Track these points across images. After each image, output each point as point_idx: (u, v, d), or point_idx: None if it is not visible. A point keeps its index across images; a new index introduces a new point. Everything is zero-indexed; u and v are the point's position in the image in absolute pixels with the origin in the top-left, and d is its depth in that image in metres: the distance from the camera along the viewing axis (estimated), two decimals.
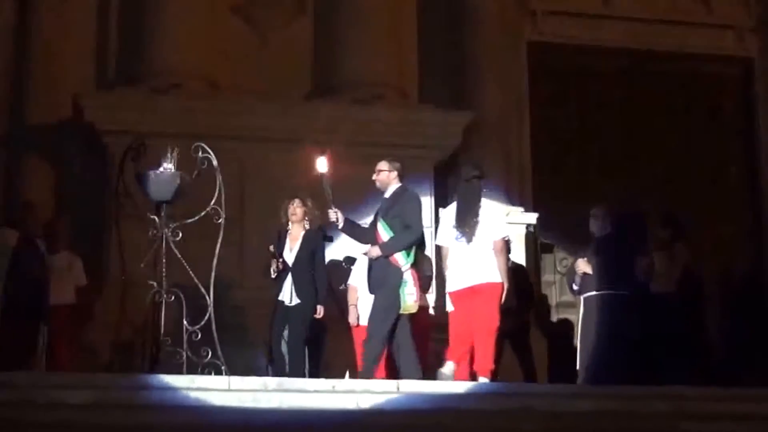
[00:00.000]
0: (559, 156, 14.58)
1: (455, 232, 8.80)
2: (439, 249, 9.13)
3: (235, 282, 11.03)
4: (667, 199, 14.44)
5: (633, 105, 14.95)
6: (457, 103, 13.40)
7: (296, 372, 9.05)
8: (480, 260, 8.69)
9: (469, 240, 8.71)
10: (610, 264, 9.71)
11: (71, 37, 13.16)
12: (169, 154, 8.30)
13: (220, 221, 8.32)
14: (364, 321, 9.37)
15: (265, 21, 13.57)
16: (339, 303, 10.21)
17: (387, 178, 8.89)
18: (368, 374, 8.35)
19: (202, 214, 8.34)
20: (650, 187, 14.54)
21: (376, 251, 8.66)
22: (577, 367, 9.97)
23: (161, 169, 8.28)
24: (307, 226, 9.56)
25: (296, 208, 9.55)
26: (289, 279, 9.38)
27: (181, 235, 8.28)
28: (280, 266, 9.35)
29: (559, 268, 13.49)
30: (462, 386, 8.25)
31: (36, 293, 9.86)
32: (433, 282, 10.73)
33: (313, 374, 9.27)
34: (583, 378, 9.72)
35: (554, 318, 13.26)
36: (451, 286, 8.86)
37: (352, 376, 9.12)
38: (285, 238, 9.58)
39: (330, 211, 8.80)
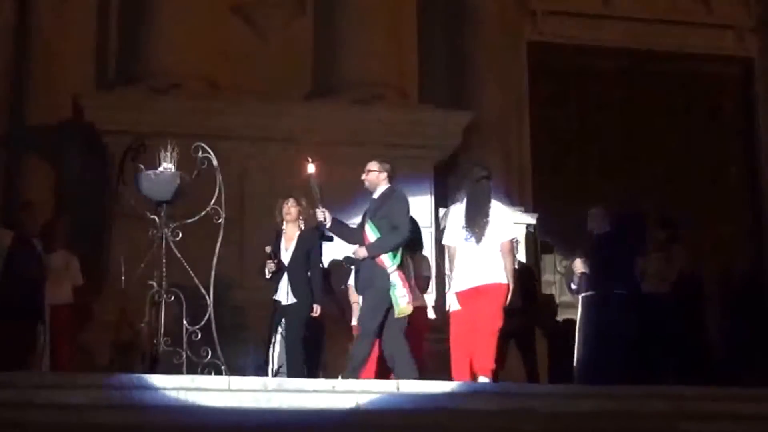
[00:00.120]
0: (559, 156, 14.58)
1: (464, 233, 8.80)
2: (447, 249, 9.10)
3: (235, 282, 11.03)
4: (667, 199, 14.46)
5: (633, 105, 14.95)
6: (457, 103, 13.39)
7: (294, 372, 9.04)
8: (487, 261, 8.70)
9: (479, 240, 8.72)
10: (608, 264, 9.72)
11: (71, 37, 13.17)
12: (169, 154, 8.30)
13: (220, 221, 8.31)
14: None
15: (265, 21, 13.58)
16: (339, 303, 10.20)
17: (376, 178, 8.88)
18: (355, 375, 8.36)
19: (202, 214, 8.34)
20: (650, 187, 14.55)
21: (362, 252, 8.66)
22: (574, 366, 9.98)
23: (161, 169, 8.28)
24: (302, 226, 9.56)
25: (291, 208, 9.54)
26: (285, 279, 9.37)
27: (180, 235, 8.28)
28: (274, 267, 9.33)
29: (558, 268, 13.50)
30: (462, 386, 8.25)
31: (32, 293, 9.84)
32: (433, 282, 10.73)
33: (312, 374, 9.26)
34: (579, 377, 9.72)
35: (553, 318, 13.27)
36: (457, 286, 8.87)
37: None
38: (280, 237, 9.57)
39: (318, 210, 8.80)
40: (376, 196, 8.85)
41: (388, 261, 8.56)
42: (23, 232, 10.22)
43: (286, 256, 9.48)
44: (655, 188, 14.57)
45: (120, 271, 8.35)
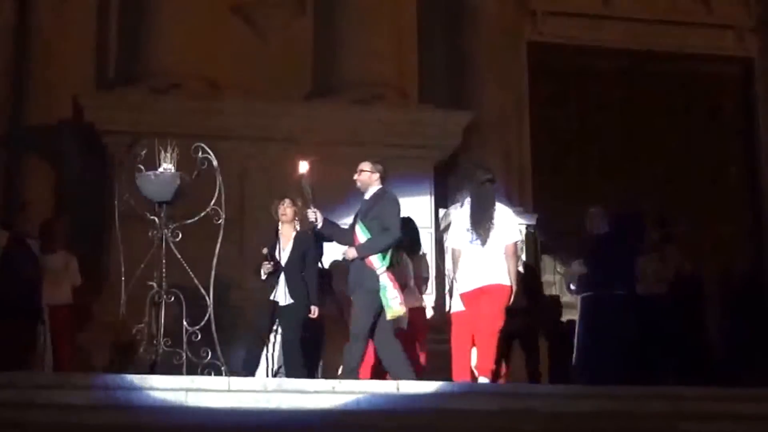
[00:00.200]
0: (559, 156, 14.59)
1: (469, 235, 8.85)
2: (452, 251, 9.13)
3: (234, 282, 11.02)
4: (667, 199, 14.46)
5: (633, 105, 14.95)
6: (457, 103, 13.40)
7: (293, 372, 9.03)
8: (491, 263, 8.75)
9: (483, 243, 8.78)
10: (607, 264, 9.72)
11: (71, 37, 13.17)
12: (168, 155, 8.30)
13: (220, 221, 8.31)
14: None
15: (265, 21, 13.58)
16: (339, 303, 10.19)
17: (368, 179, 8.87)
18: (353, 376, 8.37)
19: (202, 214, 8.34)
20: (650, 187, 14.55)
21: (352, 252, 8.66)
22: (573, 366, 9.98)
23: (161, 169, 8.27)
24: (298, 227, 9.56)
25: (286, 209, 9.53)
26: (282, 279, 9.36)
27: (180, 235, 8.28)
28: (271, 268, 9.31)
29: (558, 269, 13.48)
30: (462, 386, 8.26)
31: (28, 293, 9.81)
32: (432, 282, 10.73)
33: (311, 375, 9.25)
34: (578, 377, 9.72)
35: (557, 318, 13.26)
36: (462, 288, 8.91)
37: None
38: (277, 238, 9.55)
39: (309, 211, 8.81)
40: (367, 196, 8.86)
41: (378, 262, 8.55)
42: (19, 232, 10.20)
43: (282, 257, 9.46)
44: (655, 188, 14.58)
45: (120, 272, 8.35)
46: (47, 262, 10.43)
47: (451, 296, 10.04)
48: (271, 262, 9.26)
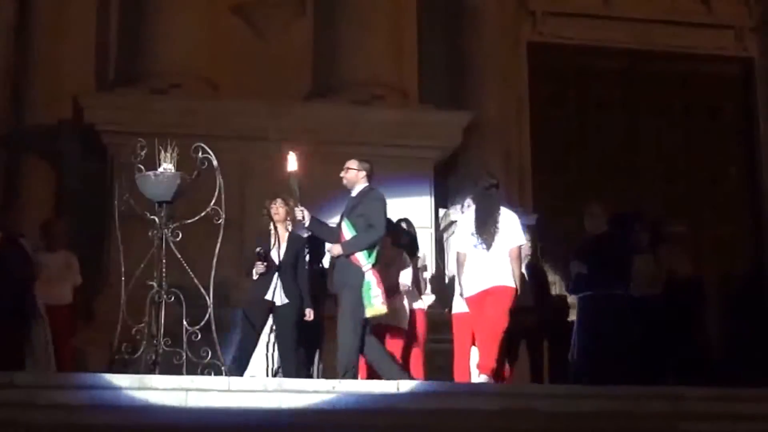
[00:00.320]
0: (559, 156, 14.58)
1: (474, 240, 8.94)
2: (457, 255, 9.16)
3: (234, 282, 11.01)
4: (667, 199, 14.46)
5: (633, 105, 14.95)
6: (457, 103, 13.39)
7: (289, 372, 9.03)
8: (495, 266, 8.85)
9: (489, 247, 8.88)
10: (606, 264, 9.71)
11: (71, 37, 13.16)
12: (168, 155, 8.30)
13: (219, 221, 8.31)
14: None
15: (265, 21, 13.57)
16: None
17: (355, 176, 8.94)
18: (352, 375, 8.39)
19: (202, 214, 8.33)
20: (650, 187, 14.55)
21: (337, 249, 8.71)
22: (572, 365, 9.97)
23: (161, 169, 8.27)
24: (290, 227, 9.55)
25: (279, 208, 9.53)
26: (276, 279, 9.35)
27: (180, 235, 8.27)
28: (263, 268, 9.30)
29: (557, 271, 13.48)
30: (462, 386, 8.27)
31: (21, 293, 9.77)
32: (432, 283, 10.73)
33: (308, 374, 9.25)
34: (577, 378, 9.72)
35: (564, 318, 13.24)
36: (468, 291, 8.97)
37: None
38: (269, 238, 9.53)
39: (297, 209, 8.84)
40: (354, 194, 8.93)
41: (363, 259, 8.59)
42: (12, 232, 10.16)
43: (276, 257, 9.44)
44: (655, 188, 14.57)
45: (120, 272, 8.34)
46: (48, 262, 10.43)
47: (452, 297, 10.06)
48: (265, 263, 9.26)
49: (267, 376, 9.38)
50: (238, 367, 8.92)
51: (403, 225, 9.97)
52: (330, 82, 13.11)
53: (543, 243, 12.60)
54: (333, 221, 9.27)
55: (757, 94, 15.23)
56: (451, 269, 10.50)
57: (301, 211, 8.82)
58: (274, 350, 9.49)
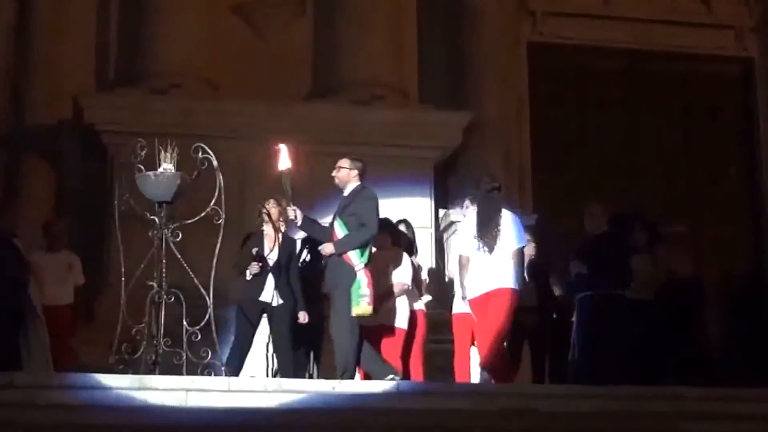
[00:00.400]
0: (559, 156, 14.58)
1: (476, 242, 8.97)
2: (459, 257, 9.19)
3: (234, 282, 11.01)
4: (667, 199, 14.46)
5: (633, 105, 14.95)
6: (457, 103, 13.39)
7: (285, 373, 9.04)
8: (498, 268, 8.91)
9: (491, 250, 8.93)
10: (605, 263, 9.71)
11: (71, 37, 13.16)
12: (168, 155, 8.30)
13: (220, 221, 8.31)
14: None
15: (265, 21, 13.57)
16: None
17: (347, 175, 8.94)
18: (352, 375, 8.40)
19: (202, 214, 8.33)
20: (650, 187, 14.55)
21: (329, 248, 8.70)
22: (572, 365, 9.97)
23: (161, 169, 8.27)
24: (282, 228, 9.55)
25: (271, 209, 9.53)
26: (270, 280, 9.35)
27: (180, 235, 8.27)
28: (258, 269, 9.29)
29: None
30: (462, 386, 8.27)
31: (15, 293, 9.74)
32: (432, 283, 10.72)
33: (305, 375, 9.25)
34: (576, 378, 9.71)
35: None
36: (471, 294, 8.99)
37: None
38: (262, 239, 9.53)
39: (289, 208, 8.84)
40: (346, 193, 8.94)
41: (356, 258, 8.59)
42: (3, 232, 10.11)
43: (270, 258, 9.44)
44: (655, 188, 14.57)
45: (120, 272, 8.34)
46: (50, 262, 10.43)
47: (451, 297, 10.07)
48: (260, 263, 9.26)
49: (267, 376, 9.39)
50: (234, 368, 8.92)
51: (402, 225, 9.97)
52: (330, 82, 13.11)
53: (543, 243, 12.60)
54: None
55: (757, 94, 15.23)
56: (451, 269, 10.50)
57: (294, 210, 8.81)
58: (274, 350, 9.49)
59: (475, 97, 13.47)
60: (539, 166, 14.23)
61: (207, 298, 8.19)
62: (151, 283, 8.17)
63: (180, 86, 12.44)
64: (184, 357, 7.99)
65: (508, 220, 9.06)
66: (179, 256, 8.21)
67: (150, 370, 7.85)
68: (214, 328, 8.14)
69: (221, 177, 8.37)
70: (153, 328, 8.06)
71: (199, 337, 8.07)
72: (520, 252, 9.07)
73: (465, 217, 9.83)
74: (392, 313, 9.25)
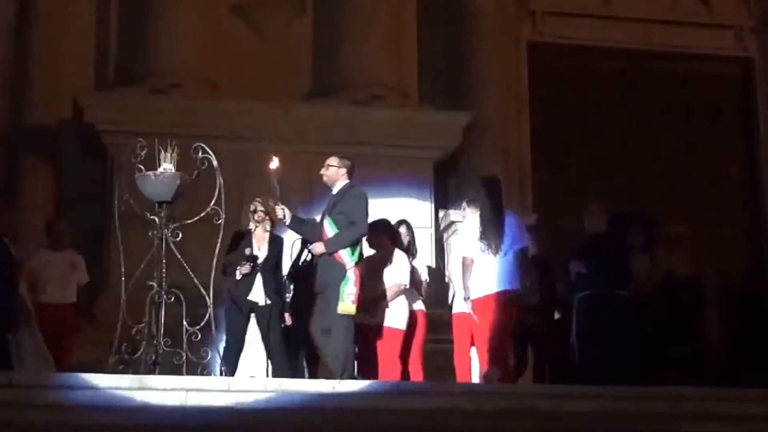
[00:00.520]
0: (559, 156, 14.58)
1: (481, 244, 9.00)
2: (463, 259, 9.19)
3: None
4: (667, 199, 14.45)
5: (633, 105, 14.95)
6: (457, 103, 13.39)
7: (279, 372, 9.04)
8: (502, 269, 8.94)
9: (495, 252, 8.96)
10: (606, 264, 9.71)
11: (71, 37, 13.17)
12: (168, 155, 8.30)
13: (219, 221, 8.31)
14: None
15: (265, 21, 13.57)
16: None
17: (335, 174, 8.93)
18: (350, 375, 8.40)
19: (202, 214, 8.33)
20: (650, 187, 14.54)
21: (320, 248, 8.69)
22: (572, 365, 9.97)
23: (161, 169, 8.27)
24: (268, 227, 9.54)
25: (259, 208, 9.53)
26: (258, 279, 9.35)
27: (180, 235, 8.27)
28: (249, 269, 9.29)
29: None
30: (463, 386, 8.27)
31: (4, 293, 9.67)
32: (432, 284, 10.70)
33: (299, 374, 9.25)
34: (576, 378, 9.72)
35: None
36: (475, 294, 9.01)
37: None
38: (251, 238, 9.52)
39: (277, 207, 8.83)
40: (334, 191, 8.93)
41: (347, 257, 8.58)
42: None
43: (259, 257, 9.43)
44: (655, 188, 14.57)
45: (120, 272, 8.34)
46: (53, 261, 10.44)
47: (452, 297, 10.07)
48: (250, 263, 9.26)
49: (267, 376, 9.39)
50: (231, 365, 8.92)
51: (402, 226, 9.95)
52: (330, 82, 13.11)
53: (543, 243, 12.59)
54: None
55: (757, 94, 15.23)
56: (451, 269, 10.49)
57: (282, 209, 8.80)
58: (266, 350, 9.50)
59: (475, 97, 13.47)
60: (539, 166, 14.22)
61: (207, 298, 8.19)
62: (151, 283, 8.17)
63: (180, 86, 12.45)
64: (184, 357, 7.99)
65: (511, 221, 9.10)
66: (179, 256, 8.21)
67: (150, 370, 7.85)
68: (214, 328, 8.15)
69: (221, 177, 8.36)
70: (153, 328, 8.06)
71: (199, 337, 8.07)
72: (524, 253, 9.10)
73: (465, 218, 9.84)
74: (390, 313, 9.23)
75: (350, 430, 7.15)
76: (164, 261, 8.19)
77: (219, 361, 8.28)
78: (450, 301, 10.12)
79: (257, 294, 9.33)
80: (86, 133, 12.28)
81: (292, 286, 9.67)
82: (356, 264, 8.60)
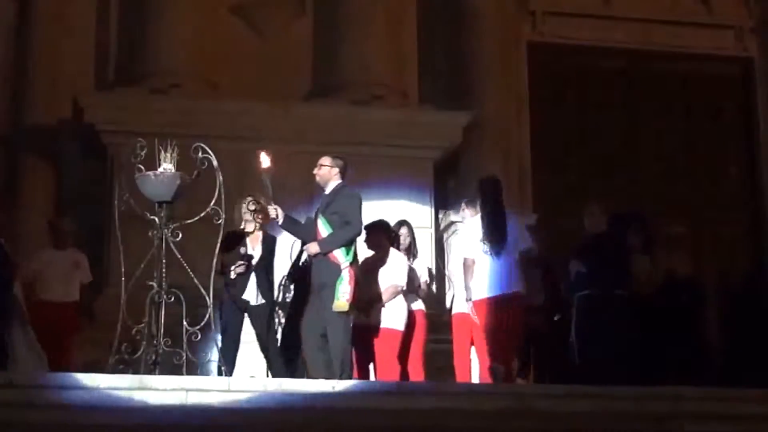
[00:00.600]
0: (559, 156, 14.59)
1: (483, 245, 9.00)
2: (464, 260, 9.20)
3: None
4: (667, 199, 14.45)
5: (633, 105, 14.95)
6: (457, 103, 13.39)
7: (276, 371, 9.04)
8: (504, 271, 8.96)
9: (498, 253, 8.96)
10: (604, 263, 9.71)
11: (71, 37, 13.18)
12: (168, 155, 8.30)
13: (219, 221, 8.31)
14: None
15: (265, 21, 13.58)
16: None
17: (328, 173, 8.93)
18: (349, 374, 8.41)
19: (202, 214, 8.33)
20: (650, 187, 14.54)
21: (314, 248, 8.69)
22: (572, 365, 9.98)
23: (161, 169, 8.27)
24: (250, 228, 9.53)
25: (250, 207, 9.53)
26: (252, 279, 9.35)
27: (180, 235, 8.27)
28: (243, 269, 9.30)
29: None
30: (462, 386, 8.27)
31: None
32: (432, 284, 10.71)
33: (296, 374, 9.24)
34: (576, 378, 9.72)
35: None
36: (477, 295, 9.02)
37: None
38: (244, 238, 9.52)
39: (270, 207, 8.83)
40: (327, 191, 8.92)
41: (342, 257, 8.57)
42: None
43: (254, 257, 9.43)
44: (655, 188, 14.57)
45: (120, 272, 8.34)
46: (56, 260, 10.45)
47: (451, 297, 10.06)
48: (245, 263, 9.26)
49: (267, 376, 9.39)
50: (230, 364, 8.92)
51: (403, 226, 9.95)
52: (330, 82, 13.11)
53: (543, 243, 12.59)
54: None
55: (757, 94, 15.24)
56: (451, 270, 10.50)
57: (275, 209, 8.80)
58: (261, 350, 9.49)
59: (475, 97, 13.47)
60: (539, 166, 14.23)
61: (207, 298, 8.19)
62: (151, 283, 8.17)
63: (180, 86, 12.45)
64: (184, 357, 7.99)
65: (512, 222, 9.11)
66: (179, 256, 8.20)
67: (150, 370, 7.85)
68: (214, 328, 8.14)
69: (221, 177, 8.36)
70: (153, 328, 8.06)
71: (199, 337, 8.07)
72: (526, 254, 9.11)
73: (465, 219, 9.84)
74: (388, 314, 9.22)
75: (350, 430, 7.15)
76: (164, 261, 8.18)
77: (218, 360, 8.27)
78: (450, 301, 10.11)
79: (250, 293, 9.33)
80: (86, 133, 12.29)
81: (292, 286, 9.68)
82: (351, 264, 8.59)
